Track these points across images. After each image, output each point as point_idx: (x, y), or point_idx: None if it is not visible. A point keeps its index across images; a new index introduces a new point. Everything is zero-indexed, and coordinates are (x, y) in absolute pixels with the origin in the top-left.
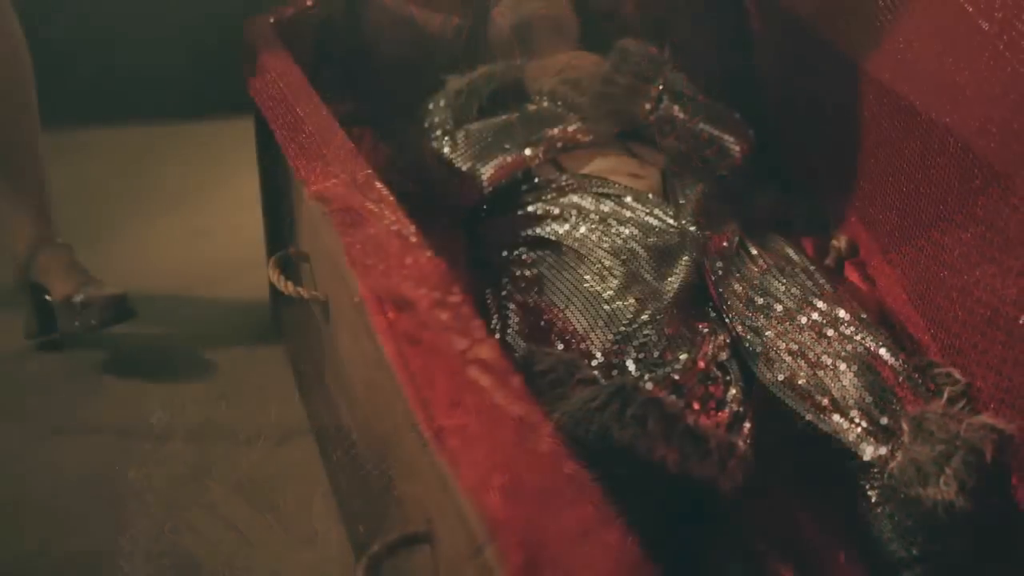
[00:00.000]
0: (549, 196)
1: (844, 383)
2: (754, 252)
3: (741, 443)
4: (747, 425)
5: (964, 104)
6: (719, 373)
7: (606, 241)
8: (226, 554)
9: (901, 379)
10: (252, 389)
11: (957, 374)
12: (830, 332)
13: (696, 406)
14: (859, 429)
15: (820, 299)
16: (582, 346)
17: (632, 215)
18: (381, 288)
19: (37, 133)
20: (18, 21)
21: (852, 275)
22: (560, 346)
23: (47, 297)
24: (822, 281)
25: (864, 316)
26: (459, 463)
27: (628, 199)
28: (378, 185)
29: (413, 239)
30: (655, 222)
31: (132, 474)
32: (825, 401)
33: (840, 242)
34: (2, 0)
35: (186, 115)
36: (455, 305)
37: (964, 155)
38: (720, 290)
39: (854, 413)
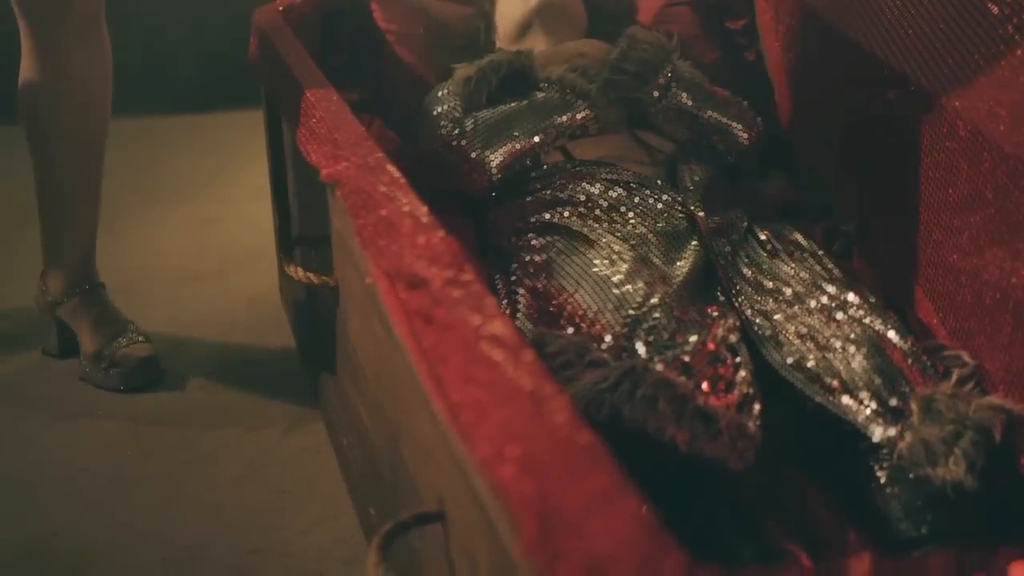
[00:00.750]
0: (558, 183)
1: (853, 365)
2: (763, 237)
3: (751, 424)
4: (756, 407)
5: (974, 88)
6: (729, 355)
7: (615, 227)
8: (236, 537)
9: (910, 361)
10: (261, 375)
11: (966, 356)
12: (839, 315)
13: (706, 387)
14: (868, 411)
15: (829, 283)
16: (592, 330)
17: (641, 201)
18: (393, 268)
19: (101, 175)
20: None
21: (861, 260)
22: (570, 330)
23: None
24: (831, 265)
25: (873, 300)
26: (473, 437)
27: (636, 185)
28: (389, 168)
29: (425, 219)
30: (663, 208)
31: (143, 459)
32: (834, 383)
33: (848, 227)
34: (101, 29)
35: (198, 109)
36: (467, 283)
37: (973, 138)
38: (729, 274)
39: (863, 395)
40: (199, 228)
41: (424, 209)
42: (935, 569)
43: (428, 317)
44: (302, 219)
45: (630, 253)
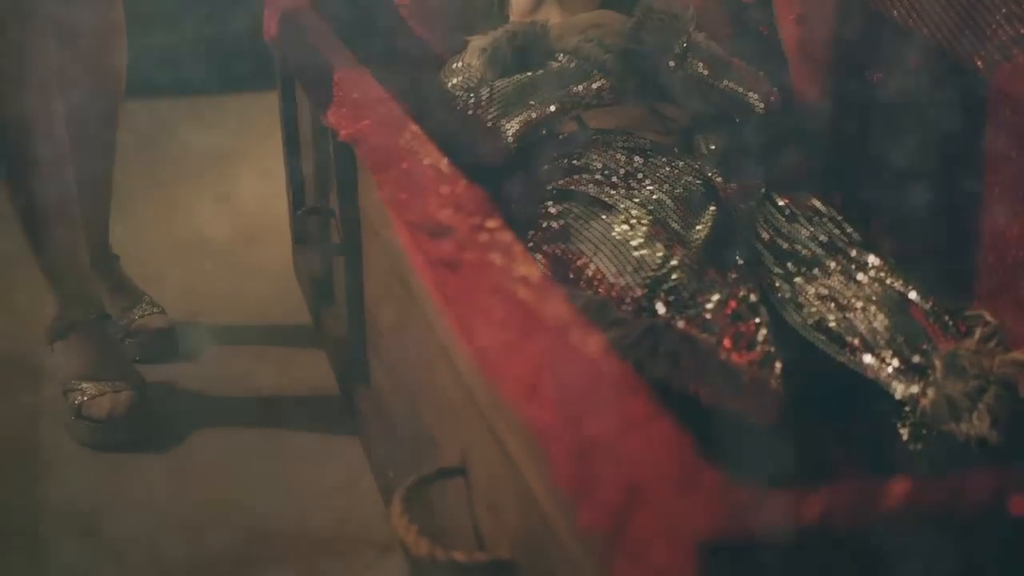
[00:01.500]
0: (574, 151)
1: (875, 324)
2: (781, 203)
3: (773, 381)
4: (778, 364)
5: (997, 46)
6: (750, 314)
7: (632, 193)
8: (255, 502)
9: (932, 321)
10: (277, 347)
11: (988, 316)
12: (860, 276)
13: (728, 344)
14: (890, 368)
15: (849, 246)
16: (611, 293)
17: (657, 167)
18: (417, 219)
19: (114, 150)
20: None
21: (879, 226)
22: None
23: None
24: (849, 229)
25: (893, 261)
26: (501, 379)
27: (653, 152)
28: (410, 124)
29: (447, 170)
30: (680, 174)
31: (159, 428)
32: (856, 342)
33: (867, 195)
34: (117, 5)
35: (212, 90)
36: (493, 230)
37: (997, 97)
38: (747, 238)
39: (885, 353)
40: (213, 205)
41: (446, 160)
42: (973, 489)
43: (453, 264)
44: (318, 190)
45: (648, 218)
